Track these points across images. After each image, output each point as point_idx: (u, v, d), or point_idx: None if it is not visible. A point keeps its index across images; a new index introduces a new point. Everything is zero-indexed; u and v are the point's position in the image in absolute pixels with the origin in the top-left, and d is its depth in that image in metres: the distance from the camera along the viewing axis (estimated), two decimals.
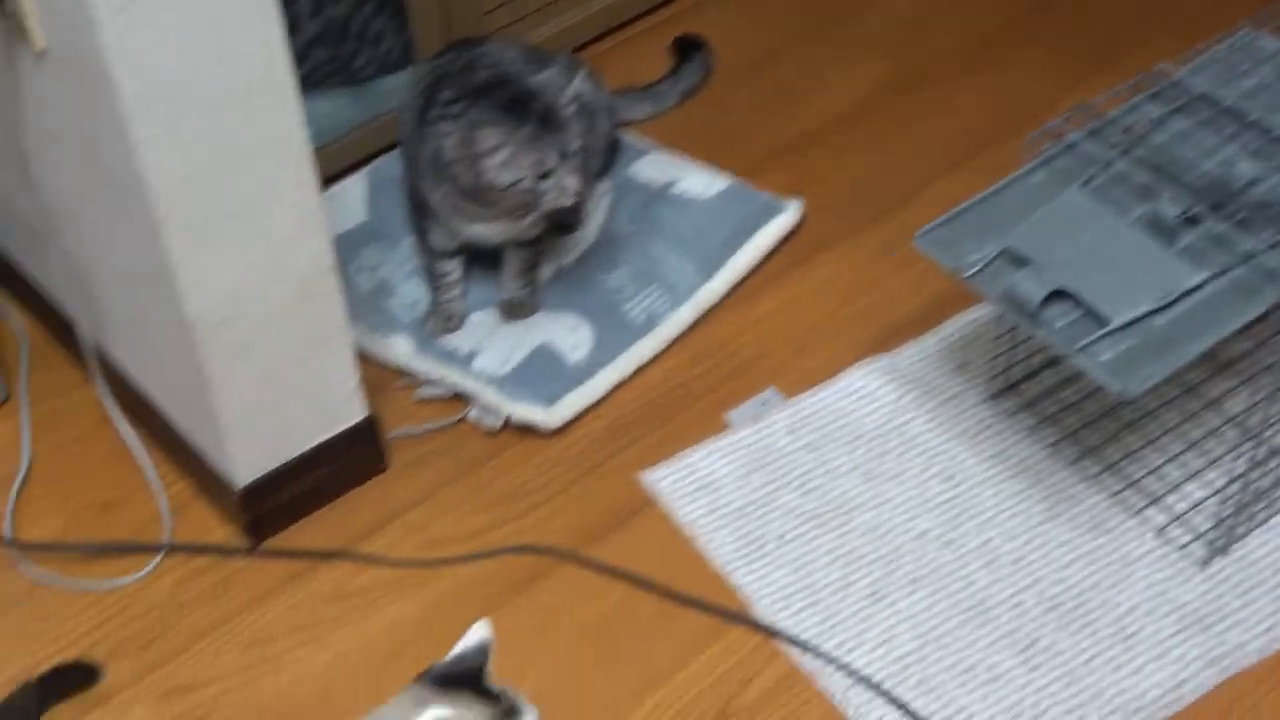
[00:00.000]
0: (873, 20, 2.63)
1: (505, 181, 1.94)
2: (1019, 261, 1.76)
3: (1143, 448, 1.96)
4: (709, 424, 2.05)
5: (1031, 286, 1.72)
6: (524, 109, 1.94)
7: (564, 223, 2.21)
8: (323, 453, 1.94)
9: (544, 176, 1.94)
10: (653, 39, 2.59)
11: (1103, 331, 1.69)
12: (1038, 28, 2.59)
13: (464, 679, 1.41)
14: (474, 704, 1.39)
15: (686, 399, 2.08)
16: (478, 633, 1.43)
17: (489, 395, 2.04)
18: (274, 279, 1.77)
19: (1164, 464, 1.94)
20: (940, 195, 2.10)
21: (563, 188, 1.95)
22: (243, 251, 1.73)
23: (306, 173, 1.74)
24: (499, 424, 2.04)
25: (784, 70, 2.54)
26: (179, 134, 1.60)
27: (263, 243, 1.74)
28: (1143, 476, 1.93)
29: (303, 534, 1.94)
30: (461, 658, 1.42)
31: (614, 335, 2.11)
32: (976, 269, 1.78)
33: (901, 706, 1.73)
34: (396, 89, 2.31)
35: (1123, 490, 1.92)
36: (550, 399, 2.04)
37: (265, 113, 1.66)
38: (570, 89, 1.97)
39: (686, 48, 2.53)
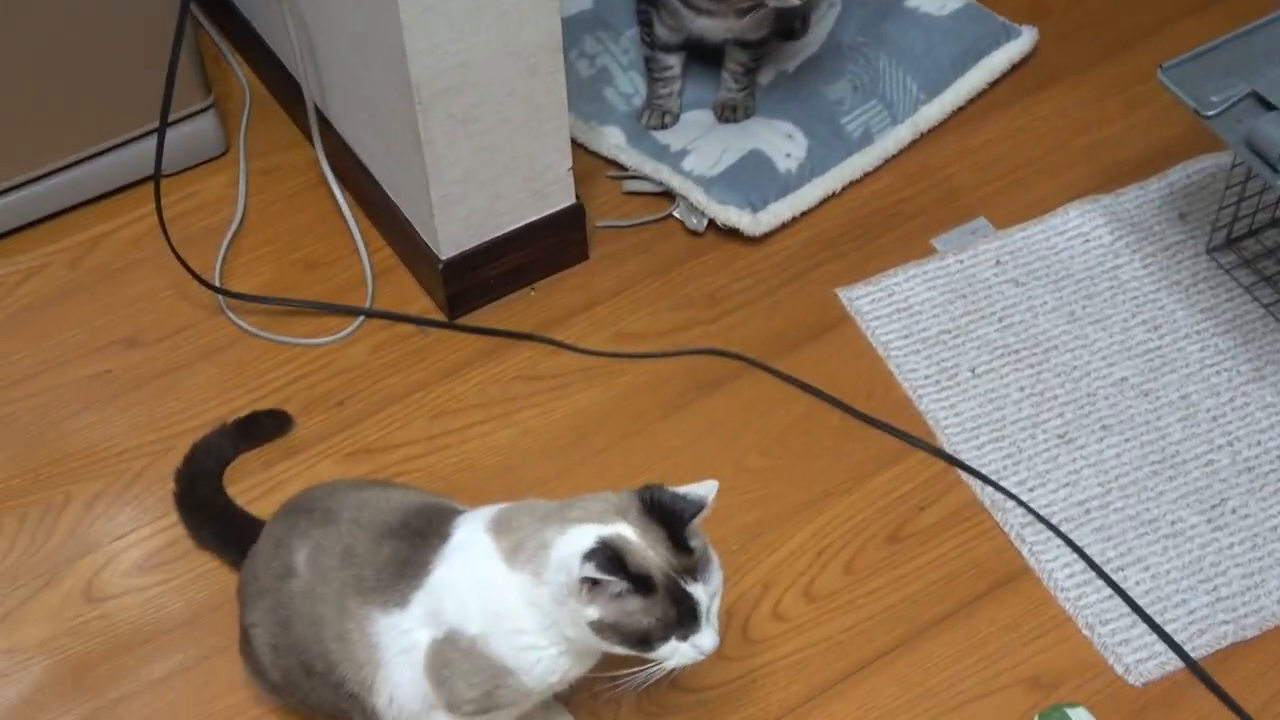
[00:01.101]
0: None
1: None
2: (1267, 106, 1.68)
3: None
4: (914, 247, 2.01)
5: (1276, 133, 1.64)
6: None
7: (790, 27, 2.17)
8: (528, 234, 1.95)
9: None
10: None
11: None
12: None
13: (669, 518, 1.36)
14: (663, 545, 1.35)
15: (894, 220, 2.04)
16: (706, 488, 1.38)
17: (696, 195, 2.03)
18: (501, 52, 1.76)
19: None
20: (1184, 35, 2.02)
21: None
22: (472, 20, 1.72)
23: None
24: (703, 225, 2.03)
25: None
26: None
27: (493, 13, 1.73)
28: None
29: (499, 313, 1.97)
30: (681, 498, 1.37)
31: (828, 147, 2.07)
32: (1219, 110, 1.70)
33: (1077, 549, 1.71)
34: None
35: None
36: (757, 205, 2.02)
37: None
38: None
39: None
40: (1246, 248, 1.96)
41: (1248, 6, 1.82)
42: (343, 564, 1.45)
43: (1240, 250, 1.96)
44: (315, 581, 1.46)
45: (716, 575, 1.37)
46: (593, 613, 1.33)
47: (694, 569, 1.35)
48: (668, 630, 1.34)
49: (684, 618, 1.34)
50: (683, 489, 1.38)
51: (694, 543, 1.36)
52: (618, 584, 1.31)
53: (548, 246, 1.98)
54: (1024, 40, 2.18)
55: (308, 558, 1.47)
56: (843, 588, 1.71)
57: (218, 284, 1.98)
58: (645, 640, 1.34)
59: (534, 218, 1.95)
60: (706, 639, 1.36)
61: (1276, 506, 1.73)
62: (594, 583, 1.31)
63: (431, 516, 1.46)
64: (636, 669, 1.38)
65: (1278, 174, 1.64)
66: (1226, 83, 1.71)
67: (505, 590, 1.37)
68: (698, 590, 1.35)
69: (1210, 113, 1.69)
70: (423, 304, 1.98)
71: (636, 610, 1.33)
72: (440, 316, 1.96)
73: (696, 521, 1.37)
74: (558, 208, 1.96)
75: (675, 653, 1.36)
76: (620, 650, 1.36)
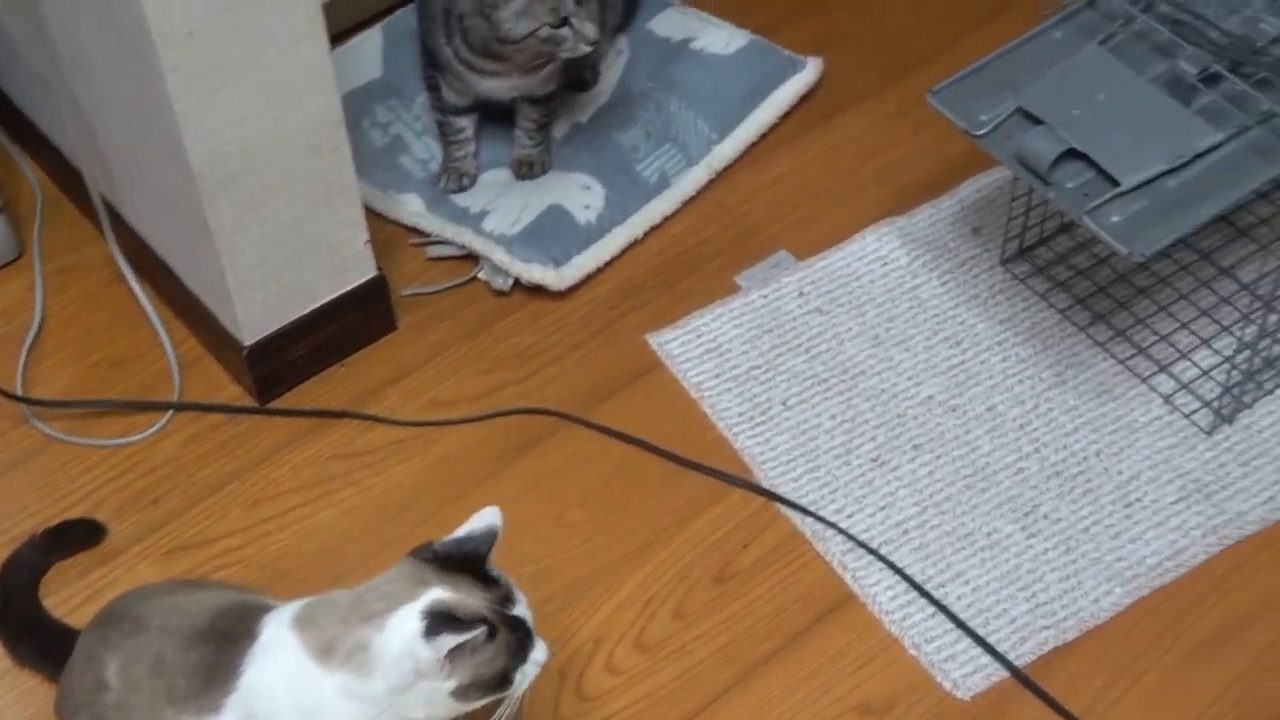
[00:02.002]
0: None
1: (523, 31, 1.91)
2: (1033, 120, 1.72)
3: (1154, 314, 1.93)
4: (719, 286, 2.03)
5: (1043, 146, 1.68)
6: None
7: (580, 78, 2.18)
8: (332, 311, 1.94)
9: (560, 24, 1.91)
10: None
11: (1113, 193, 1.65)
12: None
13: (466, 561, 1.39)
14: (473, 588, 1.38)
15: (697, 261, 2.06)
16: (486, 517, 1.41)
17: (498, 255, 2.03)
18: (282, 133, 1.75)
19: (1174, 331, 1.91)
20: (965, 53, 2.04)
21: (580, 33, 1.91)
22: (250, 104, 1.71)
23: (316, 23, 1.72)
24: (508, 284, 2.03)
25: None
26: None
27: (271, 95, 1.72)
28: (1152, 343, 1.90)
29: (310, 393, 1.95)
30: (467, 539, 1.41)
31: (626, 195, 2.09)
32: (989, 128, 1.74)
33: (898, 571, 1.73)
34: None
35: (1132, 357, 1.89)
36: (560, 259, 2.02)
37: None
38: None
39: None
40: (1039, 256, 2.01)
41: (1022, 21, 1.86)
42: (153, 673, 1.42)
43: (1033, 259, 2.01)
44: (128, 693, 1.43)
45: (520, 591, 1.42)
46: (453, 681, 1.35)
47: (509, 595, 1.40)
48: (517, 659, 1.39)
49: (523, 641, 1.39)
50: (462, 530, 1.41)
51: (494, 573, 1.40)
52: (476, 636, 1.33)
53: (353, 321, 1.97)
54: (809, 72, 2.22)
55: (119, 670, 1.44)
56: (673, 634, 1.72)
57: (19, 393, 1.94)
58: (504, 679, 1.38)
59: (336, 294, 1.94)
60: (541, 651, 1.42)
61: (1086, 508, 1.77)
62: (454, 650, 1.32)
63: (240, 616, 1.44)
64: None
65: (1049, 185, 1.68)
66: (995, 101, 1.75)
67: (319, 689, 1.36)
68: (522, 610, 1.40)
69: (980, 132, 1.73)
70: (232, 391, 1.96)
71: (490, 656, 1.36)
72: (250, 402, 1.94)
73: (493, 551, 1.41)
74: (359, 281, 1.95)
75: (524, 677, 1.40)
76: (481, 703, 1.39)
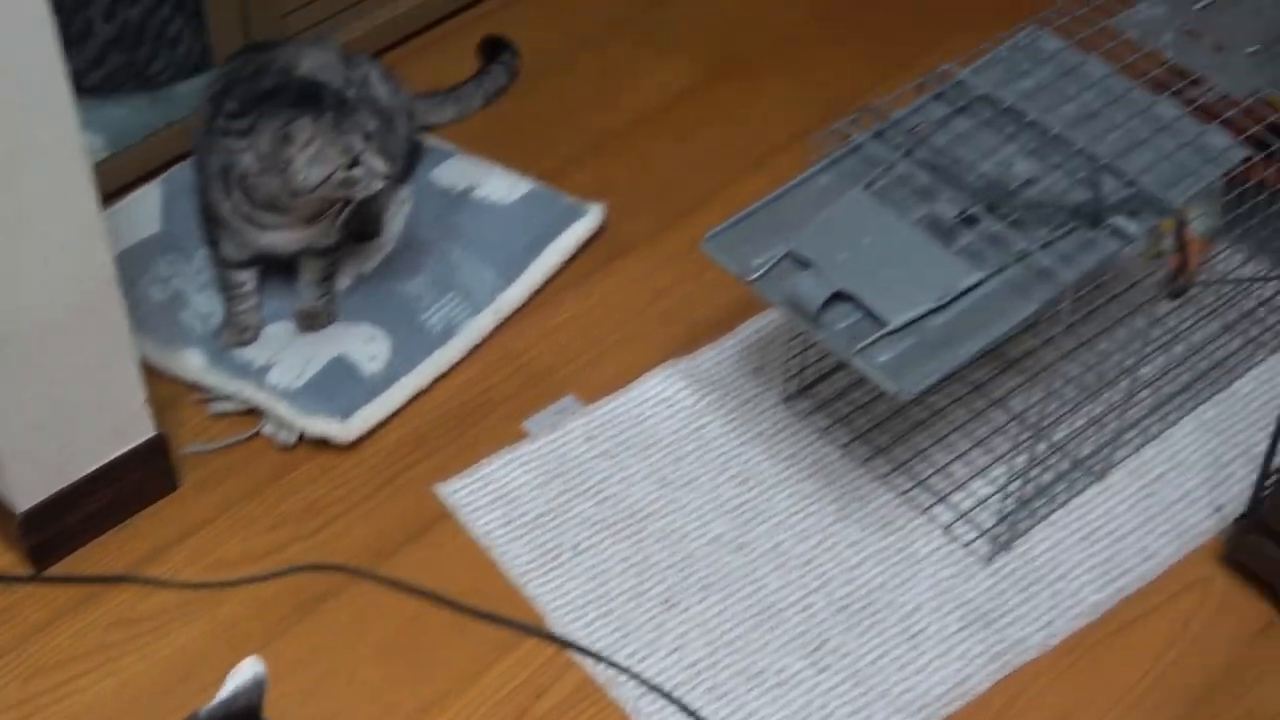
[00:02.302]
0: (678, 20, 2.62)
1: (317, 179, 1.90)
2: (802, 264, 1.77)
3: (931, 446, 1.98)
4: (506, 433, 2.03)
5: (812, 289, 1.73)
6: (315, 101, 1.91)
7: (363, 229, 2.19)
8: (109, 473, 1.90)
9: (352, 165, 1.91)
10: (459, 40, 2.56)
11: (881, 333, 1.70)
12: (843, 29, 2.60)
13: (243, 717, 1.36)
14: None
15: (484, 408, 2.07)
16: (249, 669, 1.38)
17: (283, 409, 2.01)
18: (53, 293, 1.72)
19: (951, 462, 1.96)
20: (742, 195, 2.09)
21: (371, 171, 1.92)
22: (19, 265, 1.67)
23: (85, 183, 1.70)
24: (293, 439, 2.01)
25: (590, 71, 2.53)
26: None
27: (38, 256, 1.69)
28: (931, 475, 1.95)
29: (89, 558, 1.90)
30: (234, 698, 1.36)
31: (411, 345, 2.09)
32: (761, 273, 1.78)
33: (692, 714, 1.73)
34: (194, 93, 2.26)
35: (911, 489, 1.94)
36: (345, 412, 2.01)
37: (37, 120, 1.61)
38: (339, 59, 1.97)
39: (493, 49, 2.51)
40: (819, 392, 2.05)
41: (797, 165, 1.92)
42: None
43: (814, 396, 2.05)
44: None
45: None
46: None
47: None
48: None
49: None
50: (226, 690, 1.36)
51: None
52: None
53: (133, 482, 1.93)
54: (592, 217, 2.25)
55: None
56: None
57: None
58: None
59: (115, 455, 1.90)
60: None
61: (873, 641, 1.80)
62: None
63: None
64: None
65: (819, 327, 1.72)
66: (766, 245, 1.79)
67: None
68: None
69: (753, 276, 1.77)
70: (6, 560, 1.90)
71: None
72: (25, 570, 1.88)
73: (263, 701, 1.37)
74: (138, 441, 1.91)
75: None
76: None
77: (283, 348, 2.08)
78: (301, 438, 2.01)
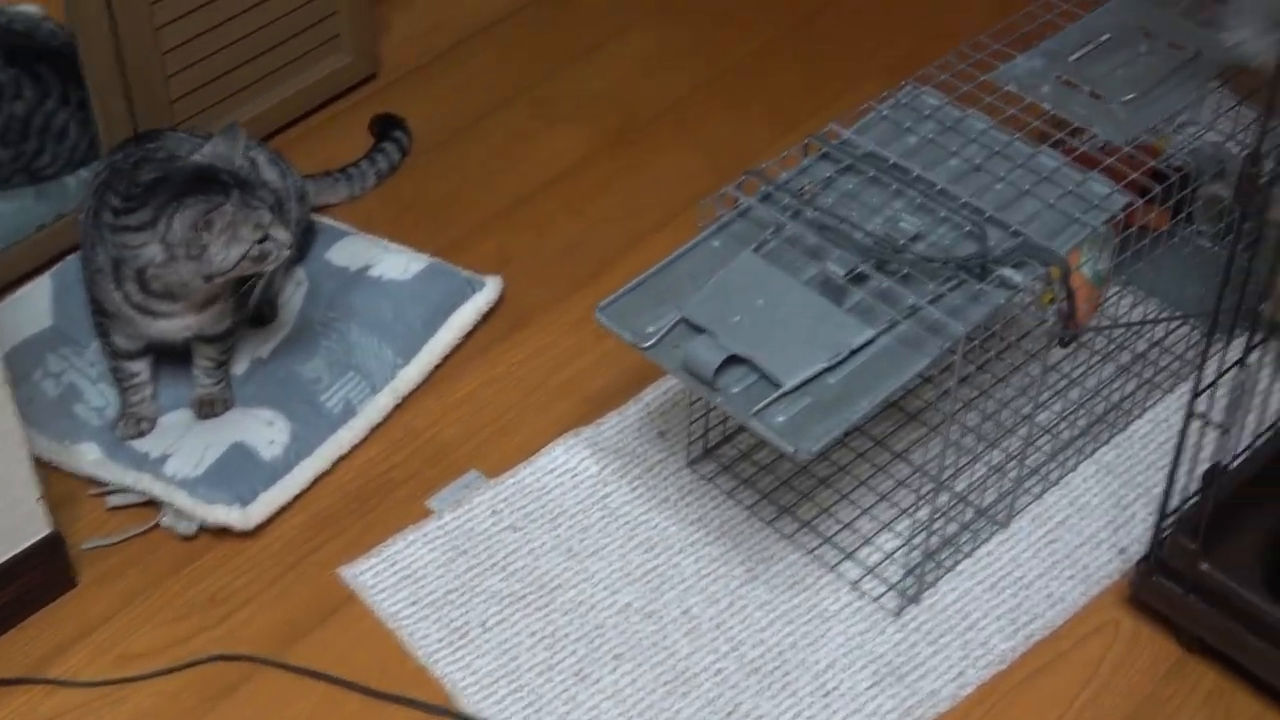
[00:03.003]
0: (569, 92, 2.63)
1: (235, 258, 1.90)
2: (696, 329, 1.77)
3: (836, 503, 1.98)
4: (411, 512, 2.02)
5: (706, 354, 1.73)
6: (216, 185, 1.91)
7: (259, 312, 2.17)
8: (4, 575, 1.86)
9: (263, 239, 1.91)
10: (349, 120, 2.56)
11: (777, 394, 1.71)
12: (734, 94, 2.63)
13: None
14: None
15: (387, 488, 2.05)
16: None
17: (182, 499, 1.99)
18: None
19: (857, 517, 1.97)
20: (640, 262, 2.10)
21: (279, 242, 1.93)
22: None
23: None
24: (194, 529, 1.99)
25: (482, 146, 2.53)
26: None
27: None
28: (837, 531, 1.95)
29: None
30: None
31: (311, 427, 2.07)
32: (656, 339, 1.79)
33: None
34: (83, 186, 2.25)
35: (818, 546, 1.94)
36: (245, 498, 1.99)
37: None
38: (239, 147, 1.97)
39: (384, 127, 2.51)
40: (723, 455, 2.06)
41: (678, 235, 1.93)
42: None
43: (718, 458, 2.05)
44: None
45: None
46: None
47: None
48: None
49: None
50: None
51: None
52: None
53: (29, 582, 1.89)
54: (490, 290, 2.25)
55: None
56: None
57: None
58: None
59: (8, 555, 1.86)
60: None
61: (786, 702, 1.79)
62: None
63: None
64: None
65: (715, 391, 1.72)
66: (660, 312, 1.80)
67: None
68: None
69: (648, 344, 1.77)
70: None
71: None
72: None
73: None
74: (33, 540, 1.88)
75: None
76: None
77: (180, 436, 2.05)
78: (202, 527, 1.99)
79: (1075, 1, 2.12)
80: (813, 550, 1.94)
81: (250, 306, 2.12)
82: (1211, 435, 1.73)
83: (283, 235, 1.94)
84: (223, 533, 1.99)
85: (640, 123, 2.58)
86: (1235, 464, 1.84)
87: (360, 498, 2.04)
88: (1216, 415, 1.71)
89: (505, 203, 2.44)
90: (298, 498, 2.03)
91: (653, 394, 2.14)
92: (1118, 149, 1.95)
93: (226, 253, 1.90)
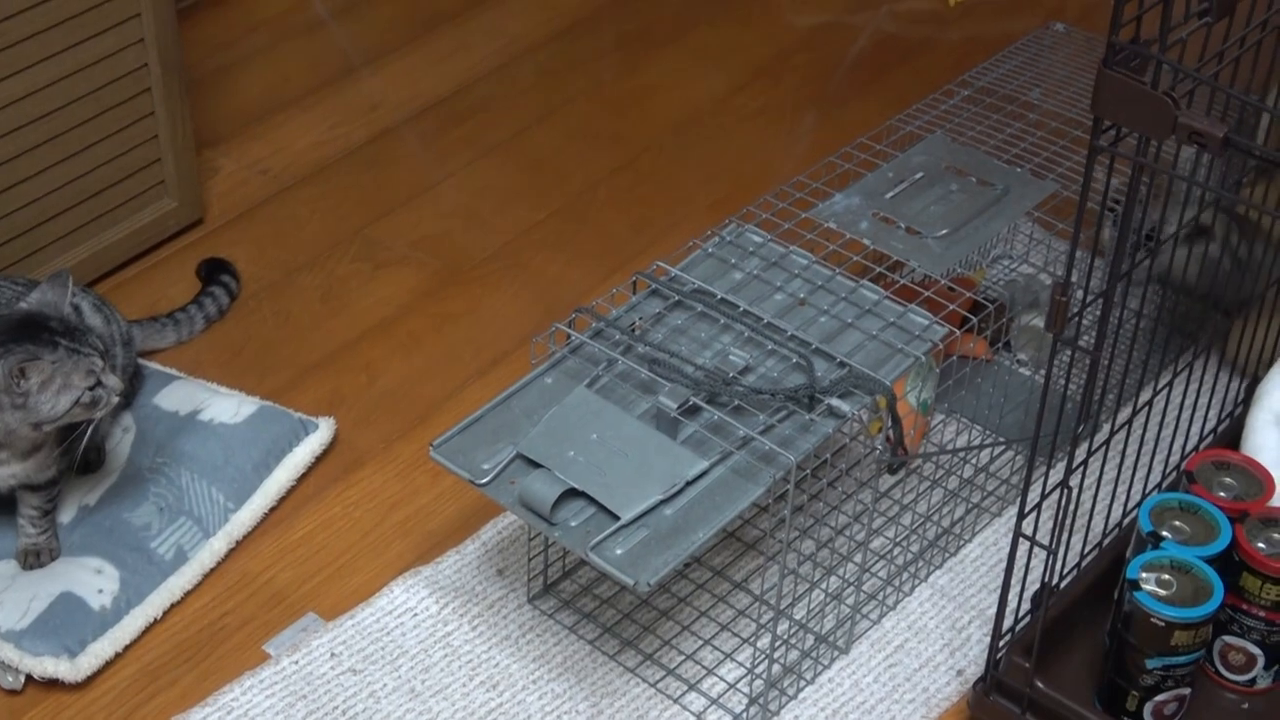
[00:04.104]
0: (396, 233, 2.65)
1: (65, 406, 1.88)
2: (532, 464, 1.78)
3: (678, 635, 2.00)
4: (247, 657, 1.98)
5: (542, 489, 1.74)
6: (45, 331, 1.89)
7: (85, 459, 2.13)
8: None
9: (95, 386, 1.90)
10: (176, 264, 2.55)
11: (614, 527, 1.72)
12: (564, 234, 2.67)
13: None
14: None
15: (223, 634, 2.01)
16: None
17: (7, 652, 1.93)
18: None
19: (699, 649, 1.98)
20: (473, 401, 2.12)
21: (110, 388, 1.92)
22: None
23: None
24: (20, 681, 1.93)
25: (312, 289, 2.54)
26: None
27: None
28: (680, 663, 1.96)
29: None
30: None
31: (142, 574, 2.03)
32: (491, 476, 1.79)
33: None
34: None
35: (662, 679, 1.95)
36: (74, 649, 1.94)
37: None
38: (67, 295, 1.95)
39: (212, 271, 2.50)
40: (564, 590, 2.06)
41: (512, 373, 1.95)
42: None
43: (559, 593, 2.05)
44: None
45: None
46: None
47: None
48: None
49: None
50: None
51: None
52: None
53: None
54: (322, 432, 2.24)
55: None
56: None
57: None
58: None
59: None
60: None
61: None
62: None
63: None
64: None
65: (553, 526, 1.73)
66: (495, 449, 1.81)
67: None
68: None
69: (483, 480, 1.78)
70: None
71: None
72: None
73: None
74: None
75: None
76: None
77: (5, 587, 2.00)
78: (30, 679, 1.93)
79: (887, 143, 2.21)
80: (656, 684, 1.94)
81: (77, 453, 2.08)
82: (1040, 556, 1.79)
83: (113, 381, 1.93)
84: (52, 685, 1.93)
85: (468, 265, 2.60)
86: (1064, 583, 1.89)
87: (194, 645, 2.00)
88: (1043, 537, 1.76)
89: (336, 345, 2.44)
90: (129, 647, 1.98)
91: (490, 531, 2.14)
92: (935, 282, 2.03)
93: (56, 400, 1.88)
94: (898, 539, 2.10)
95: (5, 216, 2.32)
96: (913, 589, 2.08)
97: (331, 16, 3.15)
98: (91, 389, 1.90)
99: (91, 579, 2.01)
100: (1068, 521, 1.74)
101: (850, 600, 2.02)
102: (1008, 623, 1.86)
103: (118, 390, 1.93)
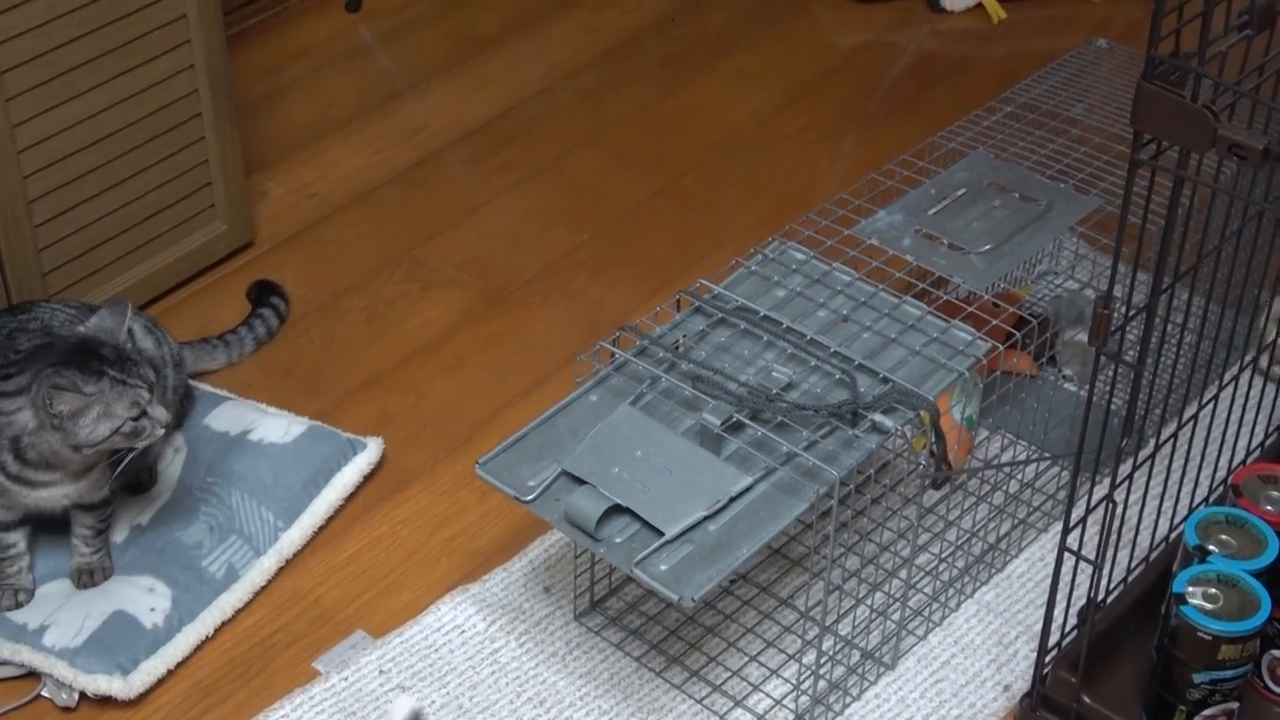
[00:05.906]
0: (442, 254, 2.68)
1: (105, 433, 1.90)
2: (577, 482, 1.80)
3: (724, 651, 2.00)
4: (297, 674, 2.00)
5: (587, 506, 1.76)
6: (95, 357, 1.91)
7: (137, 479, 2.16)
8: None
9: (139, 416, 1.91)
10: (226, 287, 2.58)
11: (659, 543, 1.73)
12: (608, 254, 2.68)
13: None
14: None
15: (272, 651, 2.03)
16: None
17: (62, 670, 1.95)
18: None
19: (745, 665, 1.98)
20: (518, 420, 2.13)
21: (155, 420, 1.93)
22: None
23: None
24: (74, 699, 1.95)
25: (359, 310, 2.56)
26: None
27: None
28: (726, 679, 1.97)
29: None
30: None
31: (193, 593, 2.05)
32: (537, 493, 1.81)
33: None
34: None
35: (708, 696, 1.95)
36: (127, 667, 1.96)
37: None
38: (125, 323, 1.97)
39: (262, 293, 2.53)
40: (611, 607, 2.07)
41: (556, 391, 1.96)
42: None
43: (605, 610, 2.07)
44: None
45: None
46: None
47: None
48: None
49: None
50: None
51: None
52: None
53: None
54: (371, 451, 2.26)
55: None
56: None
57: None
58: None
59: None
60: None
61: None
62: None
63: None
64: None
65: (598, 542, 1.75)
66: (540, 466, 1.83)
67: None
68: None
69: (529, 498, 1.79)
70: None
71: None
72: None
73: None
74: None
75: None
76: None
77: (58, 606, 2.03)
78: (84, 697, 1.95)
79: (929, 160, 2.22)
80: (702, 700, 1.95)
81: (128, 474, 2.11)
82: (1086, 571, 1.78)
83: (160, 414, 1.94)
84: (105, 702, 1.95)
85: (513, 286, 2.62)
86: (1110, 598, 1.89)
87: (245, 662, 2.02)
88: (1089, 552, 1.76)
89: (383, 366, 2.46)
90: (181, 665, 2.00)
91: (537, 549, 2.15)
92: (979, 298, 2.03)
93: (95, 427, 1.90)
94: (943, 554, 2.11)
95: (60, 241, 2.35)
96: (959, 605, 2.08)
97: (376, 42, 3.19)
98: (135, 419, 1.91)
99: (144, 597, 2.03)
100: (1113, 536, 1.74)
101: (896, 616, 2.02)
102: (1054, 638, 1.86)
103: (163, 422, 1.94)
